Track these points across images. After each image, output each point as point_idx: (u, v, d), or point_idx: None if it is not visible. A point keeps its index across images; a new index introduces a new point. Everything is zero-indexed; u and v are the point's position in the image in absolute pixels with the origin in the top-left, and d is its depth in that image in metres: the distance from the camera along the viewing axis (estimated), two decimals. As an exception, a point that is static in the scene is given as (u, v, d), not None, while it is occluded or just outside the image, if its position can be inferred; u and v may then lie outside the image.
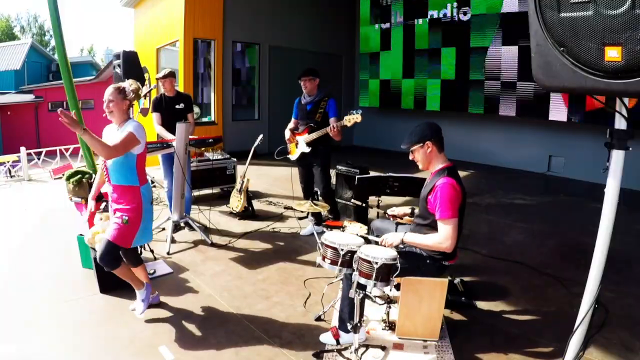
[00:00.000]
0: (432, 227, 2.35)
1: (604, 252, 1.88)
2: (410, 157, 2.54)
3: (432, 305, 2.42)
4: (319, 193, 4.43)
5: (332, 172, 4.53)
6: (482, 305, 2.92)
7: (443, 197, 2.26)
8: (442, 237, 2.26)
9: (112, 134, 2.61)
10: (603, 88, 1.59)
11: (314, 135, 3.98)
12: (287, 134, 4.23)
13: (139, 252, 3.11)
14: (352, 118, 3.69)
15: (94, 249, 3.15)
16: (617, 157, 1.81)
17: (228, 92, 9.14)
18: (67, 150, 9.64)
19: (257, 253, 3.90)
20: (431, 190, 2.35)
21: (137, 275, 2.77)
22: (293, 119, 4.32)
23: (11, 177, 8.17)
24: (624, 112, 1.78)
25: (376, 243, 2.51)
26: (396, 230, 2.71)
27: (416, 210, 2.69)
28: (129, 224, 2.57)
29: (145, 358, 2.36)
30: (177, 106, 4.52)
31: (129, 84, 2.65)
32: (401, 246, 2.47)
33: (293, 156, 4.27)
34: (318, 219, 4.34)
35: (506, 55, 7.43)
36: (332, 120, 3.97)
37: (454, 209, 2.25)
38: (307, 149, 4.06)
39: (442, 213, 2.26)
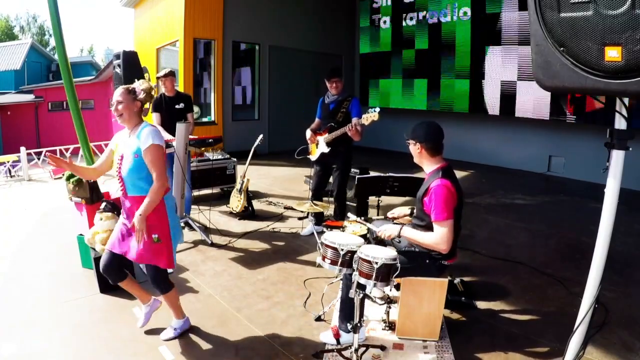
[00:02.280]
0: (429, 228, 2.35)
1: (604, 252, 1.88)
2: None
3: (432, 305, 2.43)
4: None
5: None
6: (482, 305, 2.92)
7: (437, 198, 2.26)
8: (438, 239, 2.26)
9: (125, 141, 2.35)
10: (603, 88, 1.59)
11: (333, 135, 3.93)
12: (308, 133, 4.19)
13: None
14: (370, 116, 3.61)
15: (94, 249, 3.15)
16: (617, 157, 1.81)
17: (228, 92, 9.14)
18: (67, 150, 9.64)
19: (257, 253, 3.90)
20: (426, 191, 2.36)
21: (134, 290, 2.58)
22: (317, 119, 4.29)
23: (11, 177, 8.19)
24: (624, 112, 1.78)
25: (376, 239, 2.51)
26: None
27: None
28: (162, 240, 2.30)
29: (145, 358, 2.36)
30: (176, 106, 4.52)
31: (140, 84, 2.46)
32: (397, 240, 2.47)
33: (313, 156, 4.23)
34: (318, 219, 4.33)
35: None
36: (354, 120, 3.87)
37: (449, 211, 2.25)
38: (327, 149, 4.01)
39: (437, 215, 2.26)
